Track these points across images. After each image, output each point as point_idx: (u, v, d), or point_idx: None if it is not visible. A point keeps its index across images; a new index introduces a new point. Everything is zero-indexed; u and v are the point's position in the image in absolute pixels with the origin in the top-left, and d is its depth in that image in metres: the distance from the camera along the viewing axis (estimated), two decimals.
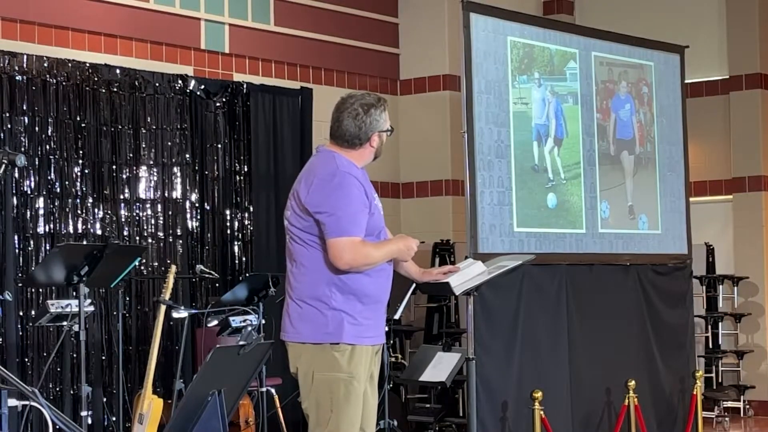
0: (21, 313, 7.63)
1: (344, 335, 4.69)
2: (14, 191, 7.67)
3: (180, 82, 8.67)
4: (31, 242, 7.75)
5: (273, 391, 7.70)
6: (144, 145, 8.44)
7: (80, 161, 8.04)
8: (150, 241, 8.39)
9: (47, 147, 7.87)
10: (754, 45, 11.05)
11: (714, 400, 10.56)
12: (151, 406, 6.55)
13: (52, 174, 7.89)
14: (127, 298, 8.12)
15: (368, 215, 4.73)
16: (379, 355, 4.94)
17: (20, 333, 7.60)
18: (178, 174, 8.61)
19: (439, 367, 7.14)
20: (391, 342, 8.66)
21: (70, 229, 7.93)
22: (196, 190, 8.72)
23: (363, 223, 4.70)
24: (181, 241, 8.57)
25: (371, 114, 4.82)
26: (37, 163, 7.80)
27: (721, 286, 11.12)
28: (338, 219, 4.64)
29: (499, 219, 7.68)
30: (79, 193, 8.02)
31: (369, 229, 4.74)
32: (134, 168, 8.36)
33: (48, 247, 7.73)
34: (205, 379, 4.37)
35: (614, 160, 8.66)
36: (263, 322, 7.37)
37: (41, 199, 7.81)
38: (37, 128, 7.81)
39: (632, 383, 7.88)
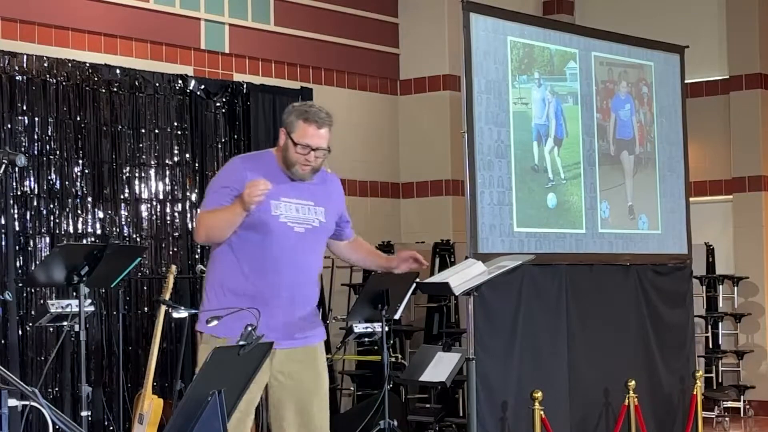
0: (21, 313, 7.63)
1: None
2: (14, 191, 7.67)
3: (180, 82, 8.67)
4: (31, 242, 7.75)
5: None
6: (144, 145, 8.43)
7: (80, 161, 8.04)
8: (150, 241, 8.39)
9: (47, 147, 7.86)
10: (754, 45, 11.05)
11: (714, 400, 10.55)
12: (151, 406, 6.56)
13: (52, 174, 7.89)
14: (127, 298, 8.12)
15: (233, 199, 4.67)
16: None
17: (20, 333, 7.60)
18: (178, 174, 8.60)
19: (439, 367, 7.12)
20: (391, 342, 8.65)
21: (70, 229, 7.93)
22: (196, 190, 8.72)
23: (217, 199, 4.72)
24: (181, 241, 8.57)
25: (290, 110, 4.82)
26: (37, 163, 7.80)
27: (721, 286, 11.11)
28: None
29: (499, 219, 7.68)
30: (79, 193, 8.02)
31: (249, 223, 4.70)
32: (134, 168, 8.36)
33: (48, 247, 7.73)
34: (205, 379, 4.36)
35: (614, 160, 8.66)
36: None
37: (41, 199, 7.81)
38: (37, 128, 7.81)
39: (632, 383, 7.88)
